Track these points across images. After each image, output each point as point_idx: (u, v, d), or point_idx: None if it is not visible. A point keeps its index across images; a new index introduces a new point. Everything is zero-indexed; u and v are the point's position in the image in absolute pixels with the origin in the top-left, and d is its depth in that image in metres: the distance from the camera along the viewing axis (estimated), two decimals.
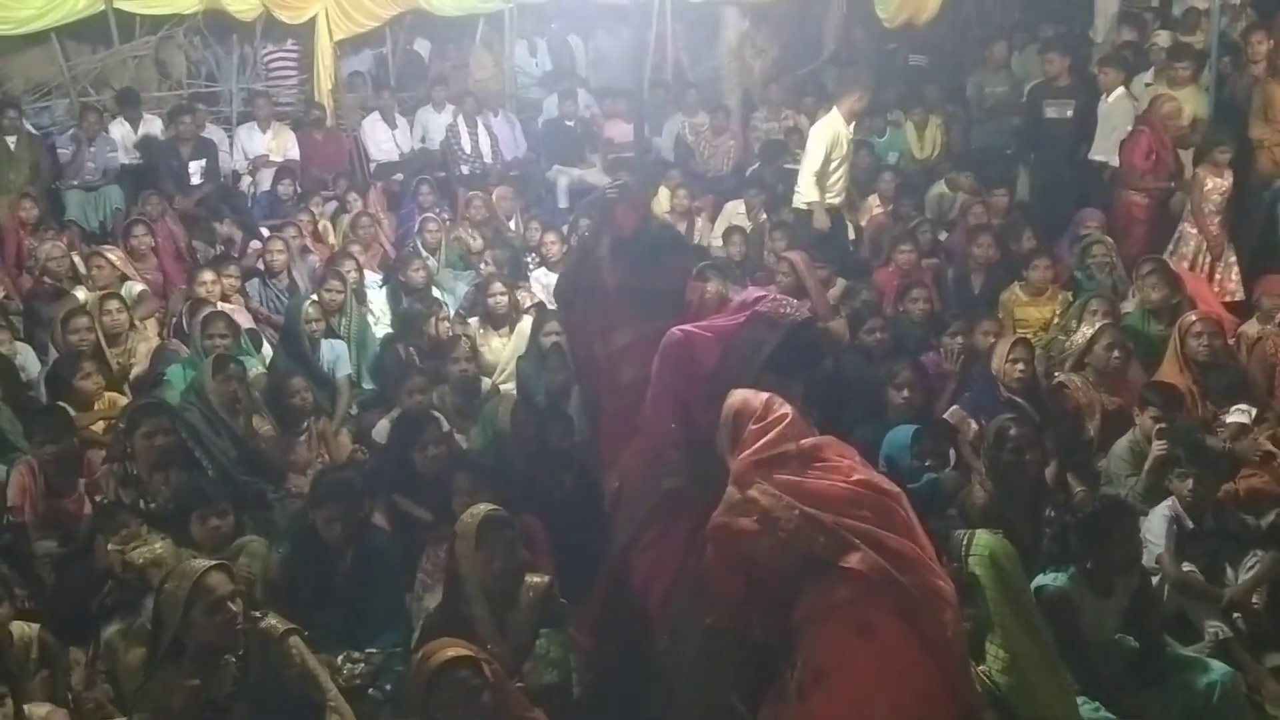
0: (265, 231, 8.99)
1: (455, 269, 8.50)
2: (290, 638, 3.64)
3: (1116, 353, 5.75)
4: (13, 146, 9.16)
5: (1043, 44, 10.19)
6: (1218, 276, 7.72)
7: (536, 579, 4.03)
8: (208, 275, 7.28)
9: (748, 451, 3.35)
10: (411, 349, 6.87)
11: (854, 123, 8.20)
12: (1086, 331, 6.00)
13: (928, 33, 11.85)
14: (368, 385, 6.90)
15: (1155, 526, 4.57)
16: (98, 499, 4.96)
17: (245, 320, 7.08)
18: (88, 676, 4.20)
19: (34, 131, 9.72)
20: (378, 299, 7.86)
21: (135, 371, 6.48)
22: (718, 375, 3.67)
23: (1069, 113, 8.76)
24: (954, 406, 5.75)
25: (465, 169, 10.47)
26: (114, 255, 7.64)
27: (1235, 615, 4.46)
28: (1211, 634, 4.34)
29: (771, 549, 3.23)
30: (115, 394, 6.09)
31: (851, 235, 8.68)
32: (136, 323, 6.81)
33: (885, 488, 3.37)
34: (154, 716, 3.51)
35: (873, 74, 9.84)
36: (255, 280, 7.79)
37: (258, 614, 3.67)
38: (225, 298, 7.27)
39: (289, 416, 5.80)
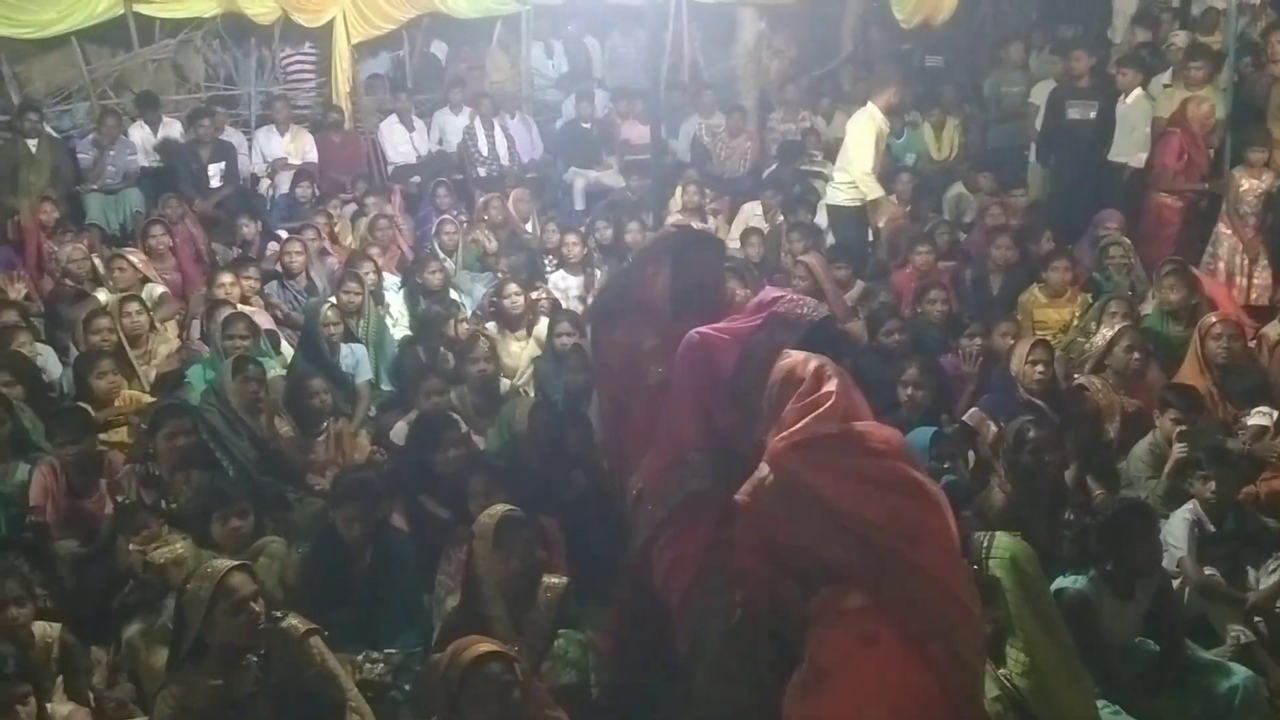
0: (283, 234, 9.02)
1: (472, 270, 8.52)
2: (311, 638, 3.67)
3: (1136, 354, 5.73)
4: (34, 150, 9.17)
5: (1068, 43, 10.08)
6: (1255, 280, 7.61)
7: (554, 580, 4.05)
8: (226, 277, 7.31)
9: (786, 432, 3.13)
10: (429, 350, 6.87)
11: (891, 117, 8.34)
12: (1106, 333, 5.97)
13: (944, 33, 11.78)
14: (386, 387, 6.92)
15: (1176, 530, 4.55)
16: (119, 499, 5.01)
17: (265, 321, 7.11)
18: (109, 676, 4.24)
19: (55, 135, 9.75)
20: (396, 301, 7.87)
21: (157, 371, 6.50)
22: (736, 377, 3.65)
23: (1092, 114, 8.71)
24: (973, 409, 5.71)
25: (482, 171, 10.46)
26: (135, 257, 7.67)
27: (1257, 619, 4.43)
28: (1233, 638, 4.31)
29: (791, 545, 3.18)
30: (137, 392, 6.14)
31: (869, 237, 8.67)
32: (157, 324, 6.85)
33: (926, 489, 3.20)
34: (176, 716, 3.53)
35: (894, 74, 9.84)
36: (274, 282, 7.82)
37: (279, 614, 3.69)
38: (245, 299, 7.30)
39: (308, 417, 5.81)
